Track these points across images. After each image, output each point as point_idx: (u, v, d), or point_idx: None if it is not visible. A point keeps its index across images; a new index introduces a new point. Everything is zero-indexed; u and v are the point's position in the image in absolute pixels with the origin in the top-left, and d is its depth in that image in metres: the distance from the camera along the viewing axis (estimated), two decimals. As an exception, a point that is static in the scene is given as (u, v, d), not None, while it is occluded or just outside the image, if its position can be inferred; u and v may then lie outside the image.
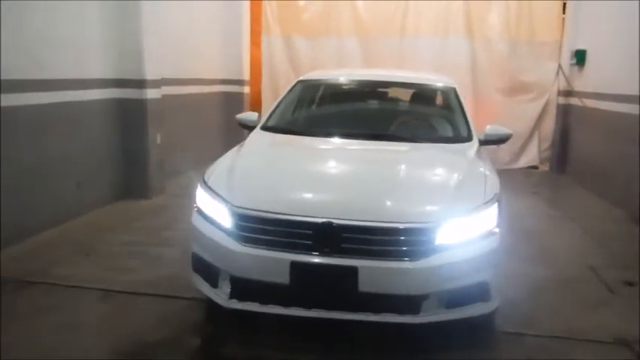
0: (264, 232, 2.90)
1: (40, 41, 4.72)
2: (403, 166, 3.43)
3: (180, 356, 3.03)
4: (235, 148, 3.74)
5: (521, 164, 8.92)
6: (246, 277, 2.95)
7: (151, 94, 5.99)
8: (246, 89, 9.07)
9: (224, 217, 3.03)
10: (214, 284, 3.11)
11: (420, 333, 3.10)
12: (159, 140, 6.19)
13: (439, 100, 4.60)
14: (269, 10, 9.03)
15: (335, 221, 2.80)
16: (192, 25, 7.61)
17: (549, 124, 8.85)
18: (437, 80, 4.77)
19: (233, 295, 3.01)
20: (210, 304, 3.19)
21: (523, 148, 8.91)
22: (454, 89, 4.46)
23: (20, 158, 4.54)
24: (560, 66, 8.60)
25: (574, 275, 4.42)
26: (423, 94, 4.80)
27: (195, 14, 7.69)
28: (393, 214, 2.87)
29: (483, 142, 4.09)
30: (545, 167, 9.02)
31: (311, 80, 4.78)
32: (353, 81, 4.91)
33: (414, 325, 2.89)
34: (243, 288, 2.99)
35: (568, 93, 8.48)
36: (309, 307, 2.89)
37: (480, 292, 2.99)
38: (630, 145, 5.92)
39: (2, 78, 4.28)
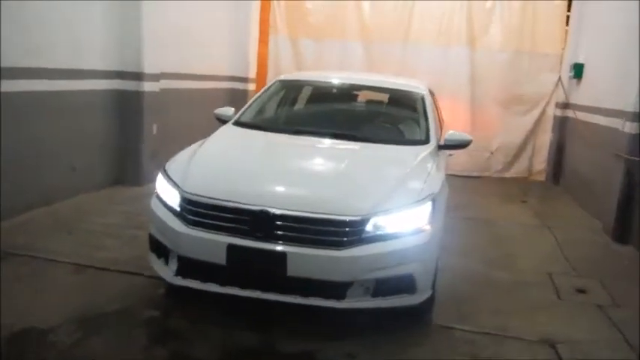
0: (206, 216, 3.16)
1: (42, 35, 5.07)
2: (348, 164, 3.66)
3: (130, 325, 3.29)
4: (200, 141, 4.01)
5: (512, 174, 9.05)
6: (190, 256, 3.22)
7: (149, 86, 6.32)
8: (252, 87, 9.36)
9: (175, 201, 3.30)
10: (165, 262, 3.38)
11: (355, 319, 3.35)
12: (155, 131, 6.52)
13: (406, 104, 4.78)
14: (277, 11, 9.31)
15: (270, 210, 3.05)
16: (199, 23, 7.90)
17: (546, 136, 8.93)
18: (408, 86, 4.95)
19: (178, 273, 3.28)
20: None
21: (516, 158, 9.04)
22: (422, 95, 4.65)
23: (18, 141, 4.89)
24: (560, 78, 8.68)
25: (529, 280, 4.58)
26: (392, 99, 5.02)
27: (203, 12, 7.97)
28: (324, 206, 3.09)
29: (443, 147, 4.26)
30: (541, 177, 9.09)
31: (288, 80, 5.03)
32: (327, 83, 5.15)
33: (341, 310, 3.11)
34: (187, 267, 3.26)
35: (565, 105, 8.55)
36: (243, 287, 3.14)
37: (405, 284, 3.19)
38: (610, 158, 6.00)
39: (9, 65, 4.65)
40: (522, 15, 8.59)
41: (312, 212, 3.05)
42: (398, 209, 3.18)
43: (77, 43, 5.59)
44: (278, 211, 3.04)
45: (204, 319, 3.40)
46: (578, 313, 3.99)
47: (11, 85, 4.76)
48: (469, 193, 7.93)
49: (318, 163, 3.72)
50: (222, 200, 3.14)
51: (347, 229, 3.04)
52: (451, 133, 4.34)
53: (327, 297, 3.09)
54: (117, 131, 6.26)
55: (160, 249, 3.42)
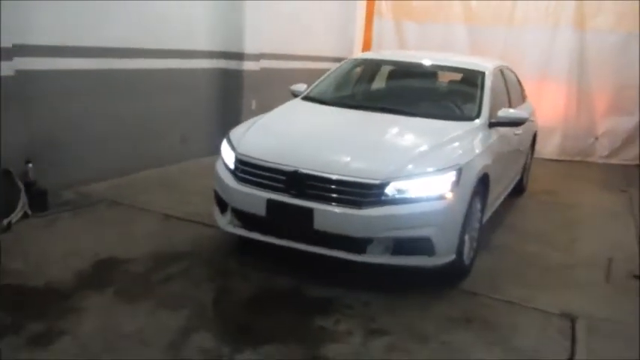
0: (252, 174, 3.70)
1: (157, 18, 5.93)
2: (385, 134, 3.99)
3: (192, 264, 3.93)
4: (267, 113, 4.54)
5: (620, 160, 8.55)
6: (239, 208, 3.78)
7: (248, 66, 7.03)
8: (355, 68, 9.76)
9: (231, 161, 3.88)
10: (223, 214, 3.98)
11: (384, 278, 3.69)
12: (254, 106, 7.22)
13: (465, 82, 4.91)
14: (383, -4, 9.58)
15: (301, 170, 3.49)
16: (305, 8, 8.47)
17: (665, 123, 8.29)
18: (472, 64, 5.03)
19: (230, 222, 3.86)
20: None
21: (626, 143, 8.50)
22: (482, 74, 4.74)
23: (138, 112, 5.82)
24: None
25: (583, 262, 4.54)
26: (454, 77, 5.16)
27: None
28: (347, 170, 3.47)
29: (495, 124, 4.36)
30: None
31: (359, 59, 5.40)
32: (393, 62, 5.42)
33: (361, 263, 3.48)
34: (239, 217, 3.83)
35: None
36: (279, 237, 3.63)
37: (423, 246, 3.47)
38: None
39: (126, 46, 5.55)
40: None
41: (337, 174, 3.44)
42: (418, 176, 3.46)
43: (188, 26, 6.40)
44: (307, 172, 3.48)
45: (252, 265, 3.94)
46: (619, 296, 3.94)
47: (131, 64, 5.68)
48: (564, 177, 7.73)
49: (357, 133, 4.06)
50: (264, 161, 3.64)
51: (366, 190, 3.39)
52: (504, 110, 4.42)
53: (348, 250, 3.47)
54: (220, 106, 7.05)
55: (220, 202, 4.02)
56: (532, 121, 6.08)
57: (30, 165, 4.57)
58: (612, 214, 6.04)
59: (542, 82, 8.61)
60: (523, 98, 6.13)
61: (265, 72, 7.40)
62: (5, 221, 4.22)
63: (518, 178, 5.92)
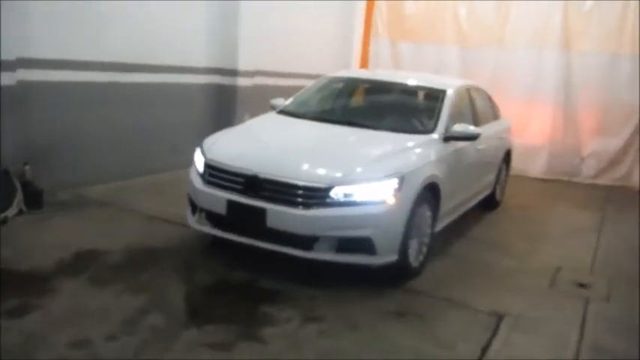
0: (216, 177, 4.12)
1: (153, 34, 6.44)
2: (339, 144, 4.41)
3: (163, 257, 4.33)
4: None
5: (606, 181, 8.74)
6: (205, 207, 4.20)
7: (242, 81, 7.51)
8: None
9: (201, 166, 4.30)
10: (193, 213, 4.39)
11: (334, 276, 4.06)
12: (246, 119, 7.66)
13: (427, 99, 5.29)
14: (379, 16, 10.03)
15: (259, 174, 3.90)
16: (302, 27, 8.94)
17: (649, 144, 8.51)
18: (435, 83, 5.41)
19: (197, 220, 4.28)
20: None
21: (612, 165, 8.71)
22: (444, 92, 5.10)
23: (134, 122, 6.30)
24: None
25: (532, 270, 4.83)
26: (417, 95, 5.56)
27: (308, 18, 9.00)
28: (297, 175, 3.87)
29: (449, 138, 4.72)
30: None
31: (333, 77, 5.81)
32: (367, 80, 5.88)
33: (309, 259, 3.85)
34: (207, 216, 4.24)
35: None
36: (238, 234, 4.03)
37: (364, 246, 3.84)
38: None
39: (123, 61, 6.06)
40: (622, 17, 8.30)
41: (288, 178, 3.84)
42: (362, 181, 3.84)
43: (183, 43, 6.90)
44: (263, 176, 3.88)
45: (217, 260, 4.34)
46: (557, 300, 4.24)
47: (128, 77, 6.18)
48: (545, 195, 7.98)
49: (317, 143, 4.45)
50: (228, 165, 4.07)
51: (313, 193, 3.79)
52: (459, 125, 4.77)
53: (297, 247, 3.85)
54: (214, 119, 7.50)
55: (192, 203, 4.43)
56: (502, 138, 6.41)
57: (27, 166, 5.06)
58: (579, 229, 6.29)
59: (530, 102, 8.94)
60: (495, 116, 6.45)
61: (259, 88, 7.86)
62: (1, 216, 4.69)
63: (488, 192, 6.23)
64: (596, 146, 8.78)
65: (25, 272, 3.83)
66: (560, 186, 8.62)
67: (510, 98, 8.54)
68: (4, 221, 4.68)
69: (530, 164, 8.93)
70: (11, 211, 4.80)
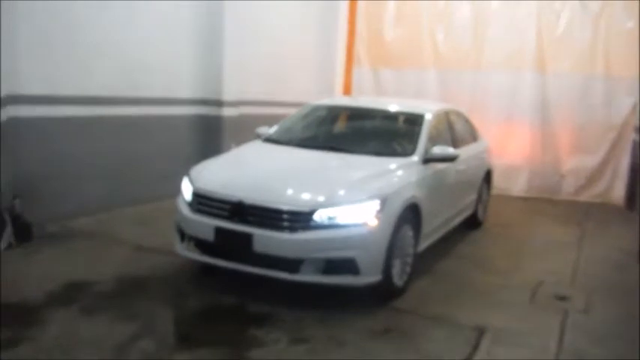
0: (204, 204, 4.23)
1: (138, 68, 6.61)
2: (321, 169, 4.55)
3: (151, 285, 4.41)
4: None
5: (586, 197, 8.96)
6: (193, 234, 4.30)
7: (227, 112, 7.68)
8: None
9: (188, 194, 4.42)
10: (182, 241, 4.49)
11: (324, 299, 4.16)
12: (233, 148, 7.81)
13: (406, 124, 5.48)
14: (360, 42, 10.31)
15: (245, 200, 4.02)
16: (286, 58, 9.19)
17: (624, 161, 8.76)
18: (414, 108, 5.62)
19: (186, 248, 4.37)
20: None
21: (590, 182, 8.95)
22: (422, 116, 5.29)
23: (121, 154, 6.42)
24: (639, 102, 8.52)
25: (514, 285, 4.95)
26: (397, 120, 5.75)
27: (289, 45, 9.25)
28: (281, 200, 4.00)
29: (429, 160, 4.89)
30: (619, 203, 8.87)
31: (315, 104, 6.00)
32: (348, 107, 6.09)
33: (296, 282, 3.96)
34: (195, 243, 4.34)
35: (641, 129, 8.38)
36: (226, 259, 4.13)
37: (348, 267, 3.95)
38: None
39: (109, 95, 6.21)
40: (593, 39, 8.63)
41: (272, 203, 3.97)
42: (345, 204, 3.97)
43: (168, 75, 7.08)
44: (249, 201, 4.01)
45: (206, 287, 4.42)
46: (537, 313, 4.36)
47: (114, 111, 6.32)
48: (526, 213, 8.16)
49: (300, 169, 4.61)
50: (215, 192, 4.19)
51: (297, 217, 3.91)
52: (438, 147, 4.95)
53: (284, 270, 3.95)
54: (200, 148, 7.62)
55: (180, 231, 4.53)
56: (482, 158, 6.60)
57: (17, 200, 5.14)
58: (560, 244, 6.45)
59: (508, 123, 9.21)
60: (474, 138, 6.65)
61: (245, 117, 8.03)
62: (-9, 250, 4.76)
63: (470, 211, 6.39)
64: (574, 164, 9.03)
65: (16, 304, 3.89)
66: (541, 204, 8.81)
67: (489, 120, 8.82)
68: (-6, 255, 4.74)
69: (511, 183, 9.15)
70: (1, 245, 4.87)
